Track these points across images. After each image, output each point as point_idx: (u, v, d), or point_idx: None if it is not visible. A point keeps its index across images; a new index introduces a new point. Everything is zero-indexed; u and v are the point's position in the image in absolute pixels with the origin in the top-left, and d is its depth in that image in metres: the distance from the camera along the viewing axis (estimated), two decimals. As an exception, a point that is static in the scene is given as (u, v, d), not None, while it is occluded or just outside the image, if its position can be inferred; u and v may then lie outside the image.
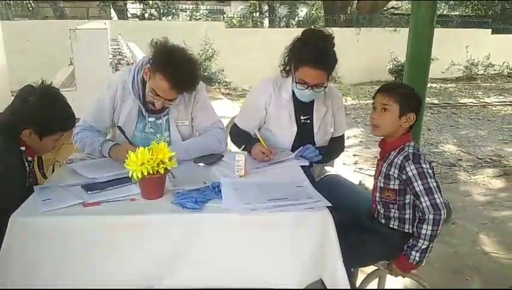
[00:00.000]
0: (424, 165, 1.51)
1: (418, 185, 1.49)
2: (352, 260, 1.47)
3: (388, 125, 1.60)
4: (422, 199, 1.48)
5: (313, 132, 1.98)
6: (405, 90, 1.63)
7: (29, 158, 1.63)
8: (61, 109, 1.59)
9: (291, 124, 1.95)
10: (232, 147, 2.25)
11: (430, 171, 1.51)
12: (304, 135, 1.96)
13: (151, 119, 1.89)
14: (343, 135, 2.13)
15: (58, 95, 1.62)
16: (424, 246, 1.49)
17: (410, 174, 1.51)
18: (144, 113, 1.88)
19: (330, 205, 1.39)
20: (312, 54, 1.77)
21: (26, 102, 1.53)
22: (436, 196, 1.48)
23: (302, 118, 1.97)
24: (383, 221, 1.64)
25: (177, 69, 1.66)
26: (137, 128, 1.89)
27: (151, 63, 1.74)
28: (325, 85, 1.85)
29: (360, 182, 3.71)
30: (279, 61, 1.95)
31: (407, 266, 1.55)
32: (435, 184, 1.49)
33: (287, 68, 1.92)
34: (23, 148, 1.58)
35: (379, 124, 1.61)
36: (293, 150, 1.91)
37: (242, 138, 1.96)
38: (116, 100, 1.87)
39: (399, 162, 1.54)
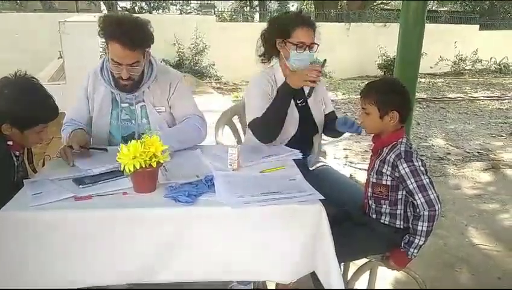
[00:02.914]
0: (416, 163, 1.51)
1: (412, 183, 1.49)
2: (343, 253, 1.47)
3: (372, 127, 1.62)
4: (416, 197, 1.49)
5: (311, 113, 2.03)
6: (383, 89, 1.59)
7: (17, 153, 1.60)
8: (39, 101, 1.55)
9: (292, 110, 1.97)
10: (224, 140, 2.24)
11: (422, 168, 1.51)
12: (305, 116, 2.01)
13: (125, 104, 1.90)
14: (334, 111, 2.19)
15: (35, 86, 1.57)
16: (421, 243, 1.51)
17: (402, 172, 1.51)
18: (117, 99, 1.88)
19: (323, 198, 1.39)
20: (300, 16, 1.92)
21: (1, 95, 1.49)
22: (430, 192, 1.48)
23: (298, 102, 2.02)
24: (374, 216, 1.65)
25: (122, 27, 1.68)
26: (112, 116, 1.89)
27: (103, 38, 1.75)
28: (318, 44, 1.92)
29: (350, 175, 3.74)
30: (255, 55, 2.04)
31: (404, 261, 1.56)
32: (428, 181, 1.50)
33: (267, 55, 2.01)
34: (10, 142, 1.55)
35: (364, 126, 1.65)
36: (298, 133, 1.97)
37: (266, 113, 1.85)
38: (89, 89, 1.89)
39: (391, 160, 1.55)
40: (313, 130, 2.06)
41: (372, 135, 1.67)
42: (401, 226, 1.59)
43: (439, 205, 1.49)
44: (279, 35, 1.92)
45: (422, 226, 1.49)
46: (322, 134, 2.16)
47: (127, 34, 1.68)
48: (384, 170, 1.57)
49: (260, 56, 2.03)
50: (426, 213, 1.47)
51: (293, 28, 1.88)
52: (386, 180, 1.58)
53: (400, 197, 1.58)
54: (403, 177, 1.51)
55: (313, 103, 2.04)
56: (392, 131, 1.59)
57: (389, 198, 1.59)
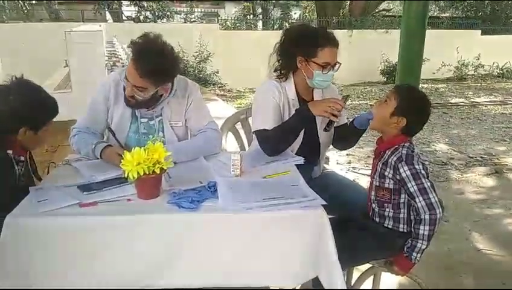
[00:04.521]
0: (417, 166, 1.52)
1: (412, 186, 1.50)
2: (347, 258, 1.47)
3: (379, 116, 1.63)
4: (417, 200, 1.49)
5: (316, 130, 1.97)
6: (412, 97, 1.63)
7: (22, 158, 1.61)
8: (44, 98, 1.59)
9: None
10: (228, 146, 2.26)
11: (423, 171, 1.52)
12: (309, 133, 1.95)
13: (144, 120, 1.90)
14: (346, 123, 2.11)
15: (34, 85, 1.60)
16: (423, 247, 1.51)
17: (403, 175, 1.52)
18: (136, 114, 1.88)
19: (325, 203, 1.40)
20: (326, 35, 1.83)
21: (7, 103, 1.52)
22: (430, 195, 1.49)
23: None
24: (377, 220, 1.66)
25: (144, 55, 1.68)
26: (131, 130, 1.89)
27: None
28: (340, 63, 1.87)
29: (353, 181, 3.73)
30: (269, 70, 1.94)
31: (408, 266, 1.56)
32: (429, 184, 1.50)
33: (284, 71, 1.91)
34: (10, 151, 1.56)
35: (374, 112, 1.65)
36: (300, 150, 1.91)
37: (278, 130, 1.84)
38: (110, 100, 1.88)
39: (393, 162, 1.56)
40: (316, 146, 2.00)
41: (377, 137, 1.69)
42: (405, 230, 1.60)
43: (440, 209, 1.49)
44: (302, 53, 1.84)
45: (424, 230, 1.49)
46: (336, 148, 2.11)
47: (146, 64, 1.67)
48: (386, 173, 1.58)
49: (275, 71, 1.93)
50: (427, 217, 1.48)
51: (319, 48, 1.80)
52: (389, 183, 1.59)
53: (402, 200, 1.58)
54: (404, 180, 1.52)
55: (322, 119, 1.93)
56: (394, 135, 1.61)
57: (391, 201, 1.60)
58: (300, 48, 1.84)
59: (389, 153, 1.59)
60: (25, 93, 1.55)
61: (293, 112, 1.90)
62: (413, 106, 1.60)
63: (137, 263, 1.35)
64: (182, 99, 1.92)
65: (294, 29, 1.93)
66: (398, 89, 1.65)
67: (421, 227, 1.49)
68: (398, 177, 1.55)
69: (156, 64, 1.68)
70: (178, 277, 1.36)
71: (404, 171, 1.52)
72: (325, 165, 2.16)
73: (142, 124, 1.90)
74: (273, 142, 1.83)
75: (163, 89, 1.81)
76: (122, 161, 1.39)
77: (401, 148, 1.57)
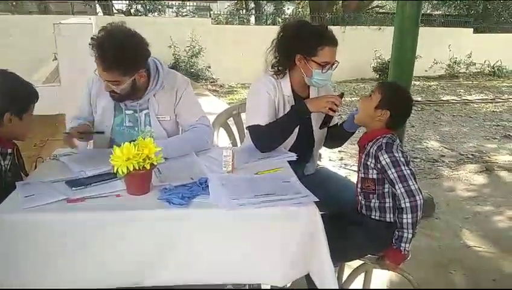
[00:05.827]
0: (396, 154, 1.54)
1: (392, 173, 1.53)
2: (338, 255, 1.47)
3: (364, 110, 1.68)
4: (396, 187, 1.52)
5: (311, 127, 1.96)
6: (395, 91, 1.70)
7: (9, 150, 1.58)
8: (21, 83, 1.58)
9: None
10: (220, 142, 2.24)
11: (402, 159, 1.54)
12: (304, 130, 1.93)
13: (129, 112, 1.88)
14: (337, 124, 2.10)
15: (8, 73, 1.59)
16: (410, 236, 1.53)
17: (383, 163, 1.55)
18: (121, 105, 1.87)
19: (317, 200, 1.39)
20: (327, 34, 1.81)
21: None
22: (410, 182, 1.51)
23: None
24: (364, 212, 1.67)
25: (102, 49, 1.66)
26: (115, 122, 1.88)
27: None
28: (338, 62, 1.86)
29: (345, 177, 3.74)
30: (266, 66, 1.91)
31: (399, 257, 1.57)
32: (408, 172, 1.53)
33: (281, 68, 1.88)
34: None
35: (360, 107, 1.71)
36: (294, 147, 1.90)
37: (272, 126, 1.82)
38: (92, 94, 1.89)
39: (373, 151, 1.59)
40: (310, 143, 1.99)
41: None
42: (391, 220, 1.61)
43: (421, 196, 1.51)
44: (301, 51, 1.81)
45: (407, 218, 1.51)
46: (325, 147, 2.11)
47: (103, 54, 1.65)
48: (368, 163, 1.61)
49: (273, 68, 1.89)
50: (408, 204, 1.50)
51: (320, 47, 1.78)
52: (372, 173, 1.62)
53: (386, 190, 1.61)
54: (384, 168, 1.55)
55: (317, 117, 1.92)
56: (376, 128, 1.65)
57: (376, 192, 1.62)
58: (300, 46, 1.81)
59: (371, 144, 1.63)
60: (4, 78, 1.53)
61: (288, 108, 1.87)
62: (396, 98, 1.65)
63: (127, 260, 1.33)
64: (170, 93, 1.89)
65: (293, 26, 1.89)
66: (381, 84, 1.73)
67: (404, 216, 1.51)
68: (379, 165, 1.57)
69: (115, 55, 1.65)
70: (168, 274, 1.35)
71: (384, 159, 1.55)
72: (317, 162, 2.15)
73: (128, 117, 1.88)
74: (267, 138, 1.81)
75: (139, 76, 1.76)
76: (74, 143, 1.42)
77: (381, 139, 1.60)
